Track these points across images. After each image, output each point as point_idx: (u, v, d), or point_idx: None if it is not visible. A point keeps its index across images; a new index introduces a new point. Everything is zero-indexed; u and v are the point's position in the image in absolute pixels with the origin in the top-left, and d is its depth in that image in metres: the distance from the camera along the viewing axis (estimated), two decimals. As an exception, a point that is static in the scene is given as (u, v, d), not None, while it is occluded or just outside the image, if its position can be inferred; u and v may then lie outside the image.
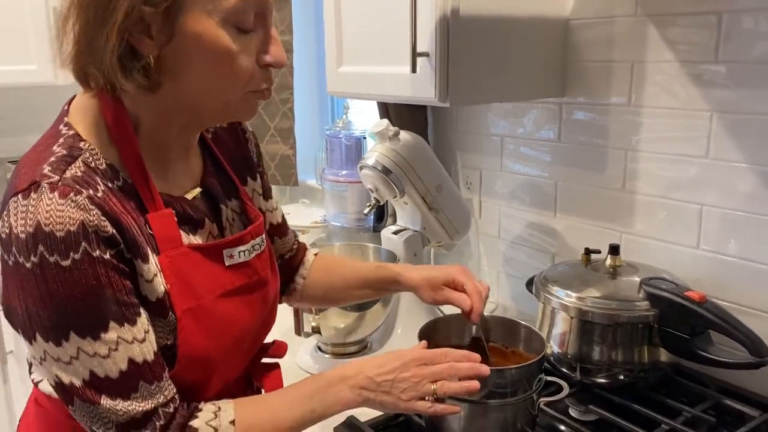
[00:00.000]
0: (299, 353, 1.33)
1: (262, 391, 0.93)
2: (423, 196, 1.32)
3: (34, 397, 0.87)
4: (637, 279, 1.10)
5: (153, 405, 0.71)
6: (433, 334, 0.96)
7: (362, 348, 1.34)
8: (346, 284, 1.08)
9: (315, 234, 1.91)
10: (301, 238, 1.94)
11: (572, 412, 1.09)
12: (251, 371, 0.93)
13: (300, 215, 2.00)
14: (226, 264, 0.80)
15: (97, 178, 0.70)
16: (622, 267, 1.15)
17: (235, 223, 0.87)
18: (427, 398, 0.80)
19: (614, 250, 1.15)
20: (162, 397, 0.72)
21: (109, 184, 0.71)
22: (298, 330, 1.24)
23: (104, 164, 0.72)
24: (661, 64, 1.19)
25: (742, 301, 1.13)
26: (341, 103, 2.15)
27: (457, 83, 1.14)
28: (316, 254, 1.11)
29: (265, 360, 0.95)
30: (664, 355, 1.06)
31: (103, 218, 0.67)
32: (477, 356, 0.84)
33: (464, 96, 1.18)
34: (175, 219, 0.76)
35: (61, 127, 0.74)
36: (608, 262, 1.15)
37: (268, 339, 0.95)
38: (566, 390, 0.96)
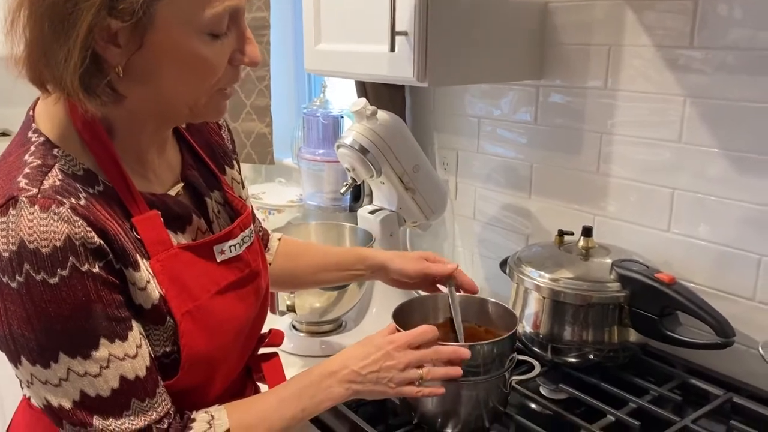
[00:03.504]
0: (274, 332, 1.33)
1: (260, 387, 0.93)
2: (400, 176, 1.32)
3: (26, 401, 0.83)
4: (609, 261, 1.12)
5: (146, 422, 0.69)
6: (408, 315, 0.97)
7: (337, 327, 1.34)
8: (312, 268, 1.08)
9: (291, 213, 1.90)
10: (278, 217, 1.94)
11: (543, 391, 1.11)
12: (250, 363, 0.92)
13: (276, 194, 1.99)
14: (218, 260, 0.79)
15: (77, 185, 0.67)
16: (595, 249, 1.16)
17: (221, 215, 0.85)
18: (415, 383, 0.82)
19: (587, 232, 1.17)
20: (155, 413, 0.70)
21: (90, 190, 0.68)
22: (273, 308, 1.24)
23: (81, 170, 0.69)
24: (637, 48, 1.20)
25: (710, 284, 1.16)
26: (319, 81, 2.13)
27: (436, 63, 1.14)
28: (279, 239, 1.10)
29: (262, 351, 0.95)
30: (633, 336, 1.09)
31: (89, 229, 0.64)
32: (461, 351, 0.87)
33: (442, 76, 1.17)
34: (162, 220, 0.74)
35: (30, 134, 0.70)
36: (581, 243, 1.17)
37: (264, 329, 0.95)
38: (537, 369, 0.98)
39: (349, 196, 1.66)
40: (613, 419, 0.99)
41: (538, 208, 1.44)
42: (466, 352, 0.85)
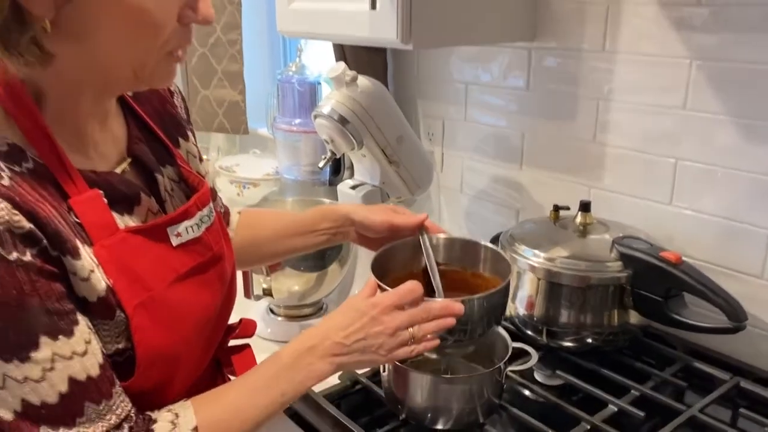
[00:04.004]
0: (249, 316, 1.24)
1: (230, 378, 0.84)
2: (383, 148, 1.22)
3: None
4: (609, 237, 1.04)
5: (104, 429, 0.60)
6: (388, 262, 0.88)
7: (317, 310, 1.26)
8: (275, 234, 0.99)
9: (267, 187, 1.80)
10: (253, 191, 1.84)
11: (538, 377, 1.04)
12: (218, 356, 0.83)
13: (251, 167, 1.87)
14: (174, 244, 0.69)
15: (0, 163, 0.57)
16: (593, 225, 1.08)
17: (175, 193, 0.75)
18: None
19: (585, 207, 1.09)
20: (114, 417, 0.61)
21: (16, 168, 0.58)
22: (248, 293, 1.15)
23: (5, 145, 0.59)
24: (638, 6, 1.10)
25: (715, 260, 1.09)
26: (294, 44, 2.01)
27: (421, 23, 1.03)
28: (239, 212, 1.01)
29: (233, 343, 0.87)
30: (634, 318, 1.01)
31: (15, 212, 0.55)
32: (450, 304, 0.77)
33: (428, 38, 1.07)
34: (105, 200, 0.64)
35: None
36: (578, 219, 1.09)
37: (233, 318, 0.85)
38: (535, 357, 0.91)
39: (328, 170, 1.55)
40: (615, 409, 0.92)
41: (529, 180, 1.35)
42: (458, 308, 0.77)
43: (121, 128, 0.73)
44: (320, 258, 1.17)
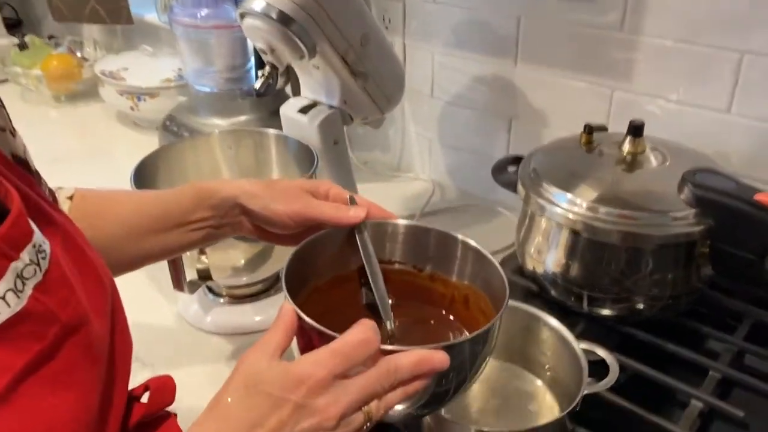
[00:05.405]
0: (181, 301, 0.92)
1: None
2: (343, 55, 0.86)
3: None
4: (668, 169, 0.78)
5: None
6: (306, 266, 0.58)
7: (274, 283, 0.94)
8: (123, 232, 0.64)
9: (169, 97, 1.38)
10: (152, 104, 1.42)
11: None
12: None
13: (144, 71, 1.44)
14: None
15: None
16: (644, 153, 0.81)
17: None
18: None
19: (636, 130, 0.80)
20: None
21: None
22: (178, 282, 0.82)
23: None
24: None
25: (783, 184, 0.87)
26: None
27: None
28: (71, 197, 0.63)
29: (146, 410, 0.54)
30: (705, 272, 0.78)
31: None
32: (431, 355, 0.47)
33: None
34: None
35: None
36: (626, 148, 0.81)
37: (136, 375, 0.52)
38: (615, 371, 0.66)
39: (255, 77, 1.17)
40: (700, 405, 0.70)
41: (527, 81, 1.05)
42: (439, 359, 0.47)
43: None
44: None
